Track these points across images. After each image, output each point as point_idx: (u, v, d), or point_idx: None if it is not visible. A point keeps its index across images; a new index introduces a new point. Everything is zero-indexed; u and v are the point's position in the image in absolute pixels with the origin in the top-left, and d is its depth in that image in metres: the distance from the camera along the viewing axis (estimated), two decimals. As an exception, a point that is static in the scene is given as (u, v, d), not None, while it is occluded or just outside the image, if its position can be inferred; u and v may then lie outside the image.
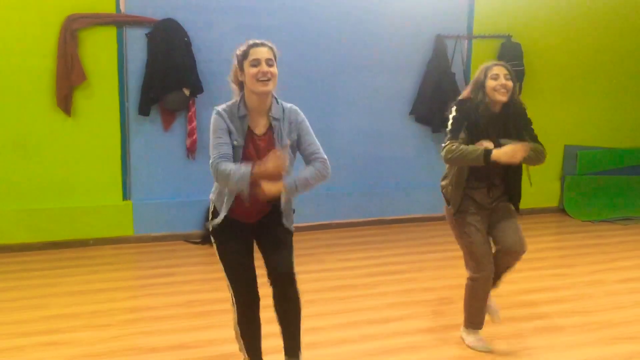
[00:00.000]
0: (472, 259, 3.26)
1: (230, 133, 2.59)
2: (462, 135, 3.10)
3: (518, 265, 4.63)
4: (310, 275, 4.41)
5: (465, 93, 3.24)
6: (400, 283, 4.25)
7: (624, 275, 4.52)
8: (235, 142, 2.59)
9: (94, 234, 4.97)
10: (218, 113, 2.62)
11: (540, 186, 6.29)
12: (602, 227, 5.82)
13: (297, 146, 2.71)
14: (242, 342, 2.84)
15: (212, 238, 2.77)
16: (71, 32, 4.59)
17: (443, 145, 3.13)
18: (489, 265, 3.24)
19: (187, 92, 4.89)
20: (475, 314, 3.35)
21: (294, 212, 2.87)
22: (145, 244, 5.05)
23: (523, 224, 5.76)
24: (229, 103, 2.66)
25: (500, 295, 4.06)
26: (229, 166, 2.52)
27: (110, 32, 4.77)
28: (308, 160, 2.71)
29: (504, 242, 3.27)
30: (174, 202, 5.12)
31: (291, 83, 5.29)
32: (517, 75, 5.76)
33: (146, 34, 4.81)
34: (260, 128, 2.65)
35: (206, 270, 4.45)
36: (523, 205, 6.22)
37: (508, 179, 3.32)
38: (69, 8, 4.60)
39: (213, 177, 2.60)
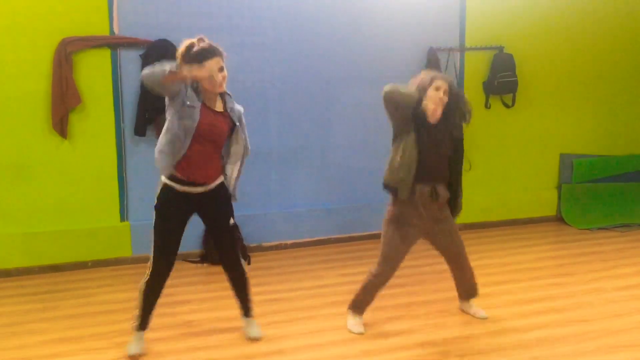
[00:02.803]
0: (383, 255, 3.61)
1: (184, 99, 3.06)
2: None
3: (517, 275, 4.68)
4: (309, 291, 4.41)
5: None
6: (399, 297, 4.24)
7: (623, 282, 4.52)
8: (188, 102, 3.05)
9: (92, 256, 4.96)
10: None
11: (537, 195, 6.32)
12: (600, 235, 5.82)
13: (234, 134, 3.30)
14: (142, 302, 3.32)
15: (154, 213, 3.22)
16: (65, 55, 4.61)
17: None
18: (393, 269, 3.63)
19: (182, 111, 4.91)
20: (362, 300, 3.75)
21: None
22: (144, 264, 4.96)
23: (521, 234, 5.87)
24: None
25: (499, 306, 4.07)
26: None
27: (105, 54, 4.79)
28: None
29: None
30: (172, 222, 5.11)
31: (285, 98, 5.35)
32: (511, 86, 5.87)
33: (140, 55, 4.83)
34: (217, 107, 3.20)
35: (205, 290, 4.44)
36: (521, 214, 6.32)
37: (451, 185, 3.60)
38: (63, 31, 4.63)
39: (144, 75, 2.97)
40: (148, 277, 3.29)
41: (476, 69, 5.82)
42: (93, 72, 4.77)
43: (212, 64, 3.03)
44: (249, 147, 3.43)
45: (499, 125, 6.00)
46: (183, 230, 3.29)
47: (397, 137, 3.49)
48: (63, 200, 4.84)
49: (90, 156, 4.85)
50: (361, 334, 3.65)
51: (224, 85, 3.15)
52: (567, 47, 6.10)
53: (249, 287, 3.57)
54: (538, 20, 5.95)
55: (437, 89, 3.42)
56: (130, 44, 4.82)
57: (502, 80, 5.76)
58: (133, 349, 3.35)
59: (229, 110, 3.26)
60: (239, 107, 3.34)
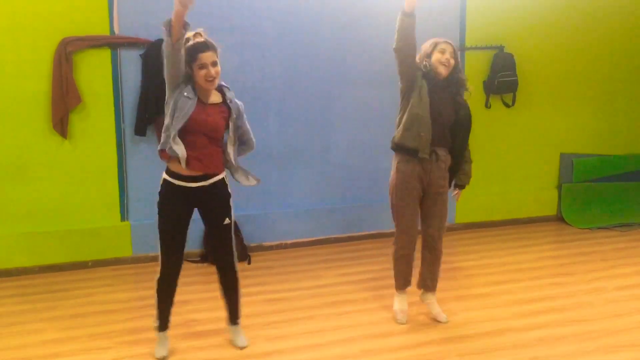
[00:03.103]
0: (398, 227, 3.70)
1: (182, 91, 3.10)
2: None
3: (517, 275, 4.67)
4: (309, 291, 4.41)
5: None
6: (399, 296, 4.24)
7: (623, 282, 4.52)
8: (186, 94, 3.08)
9: (92, 256, 4.96)
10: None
11: (537, 195, 6.31)
12: (601, 234, 5.82)
13: (235, 123, 3.29)
14: (157, 301, 3.35)
15: (157, 209, 3.23)
16: (66, 55, 4.61)
17: None
18: (412, 237, 3.69)
19: (182, 111, 4.90)
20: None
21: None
22: (144, 264, 5.04)
23: (521, 234, 5.86)
24: None
25: (499, 306, 4.07)
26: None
27: (105, 54, 4.79)
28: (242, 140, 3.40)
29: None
30: (172, 222, 5.11)
31: (286, 98, 5.34)
32: (511, 86, 5.87)
33: (140, 55, 4.83)
34: (211, 100, 3.20)
35: (205, 290, 4.44)
36: (521, 214, 6.31)
37: (454, 151, 3.65)
38: (63, 31, 4.63)
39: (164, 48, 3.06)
40: (159, 275, 3.31)
41: (476, 68, 5.82)
42: (93, 72, 4.77)
43: (205, 57, 3.06)
44: (254, 140, 3.44)
45: (499, 125, 6.00)
46: (187, 226, 3.29)
47: (404, 98, 3.63)
48: (63, 200, 4.84)
49: (90, 156, 4.85)
50: (402, 323, 3.77)
51: (217, 81, 3.14)
52: (567, 47, 6.10)
53: (240, 292, 3.48)
54: (538, 20, 5.94)
55: (442, 52, 3.54)
56: (130, 44, 4.81)
57: (503, 80, 5.76)
58: (159, 351, 3.39)
59: (228, 102, 3.25)
60: (239, 102, 3.34)
